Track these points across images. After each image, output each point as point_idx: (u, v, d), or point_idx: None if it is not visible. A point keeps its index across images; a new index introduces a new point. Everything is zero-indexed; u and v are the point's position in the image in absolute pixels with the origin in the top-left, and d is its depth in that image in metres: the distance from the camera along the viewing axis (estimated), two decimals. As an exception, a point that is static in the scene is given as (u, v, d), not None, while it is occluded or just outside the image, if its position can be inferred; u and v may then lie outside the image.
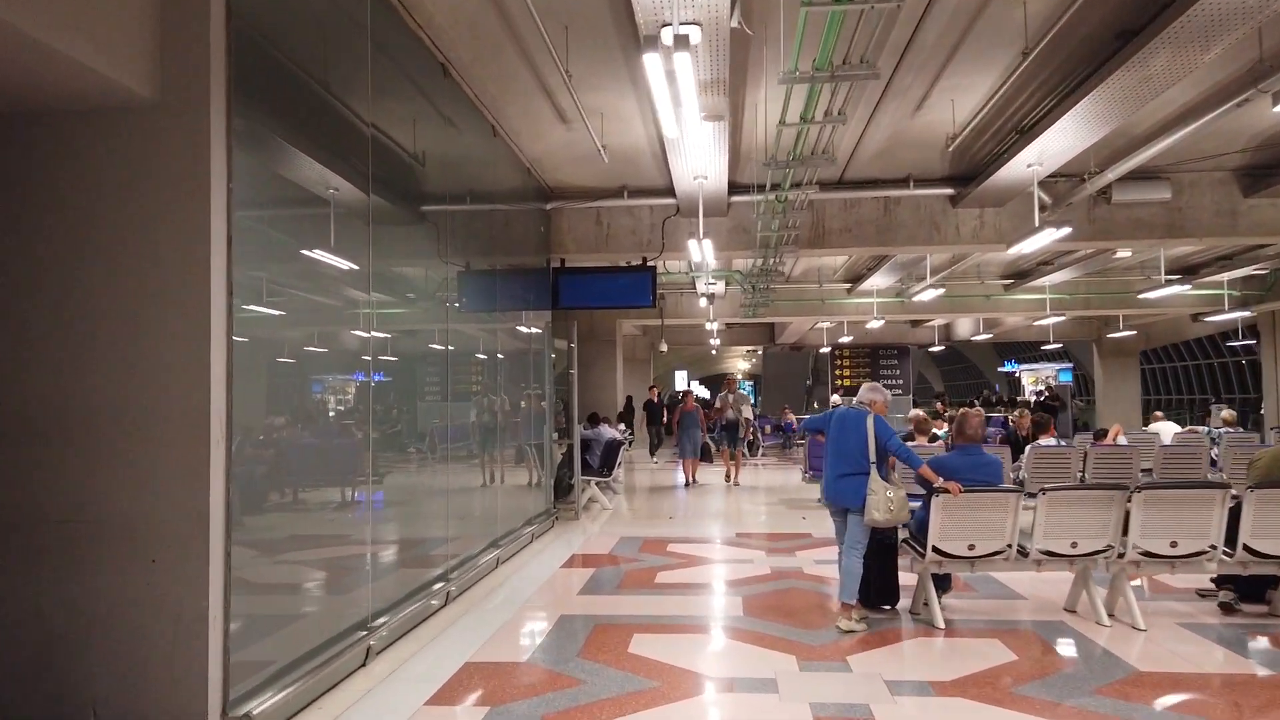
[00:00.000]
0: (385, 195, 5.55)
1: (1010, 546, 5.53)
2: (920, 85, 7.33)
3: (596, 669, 4.75)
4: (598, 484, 11.68)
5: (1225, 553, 5.53)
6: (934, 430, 9.85)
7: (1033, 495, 5.59)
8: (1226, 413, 13.03)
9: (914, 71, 6.96)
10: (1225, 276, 15.75)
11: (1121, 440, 9.93)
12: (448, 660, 4.94)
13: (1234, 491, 5.55)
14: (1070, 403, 25.32)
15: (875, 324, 19.15)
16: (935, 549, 5.52)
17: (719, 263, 12.97)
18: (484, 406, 8.01)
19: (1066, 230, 8.45)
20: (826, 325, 23.08)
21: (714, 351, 33.68)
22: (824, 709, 4.14)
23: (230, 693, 3.65)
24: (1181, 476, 9.00)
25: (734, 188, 9.92)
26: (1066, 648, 5.18)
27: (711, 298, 16.01)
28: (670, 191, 10.09)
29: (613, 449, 11.82)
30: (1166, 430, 11.82)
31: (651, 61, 4.21)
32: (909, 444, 6.51)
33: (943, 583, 6.03)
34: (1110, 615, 5.63)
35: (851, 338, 23.99)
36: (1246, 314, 17.74)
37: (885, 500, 5.37)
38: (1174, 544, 5.51)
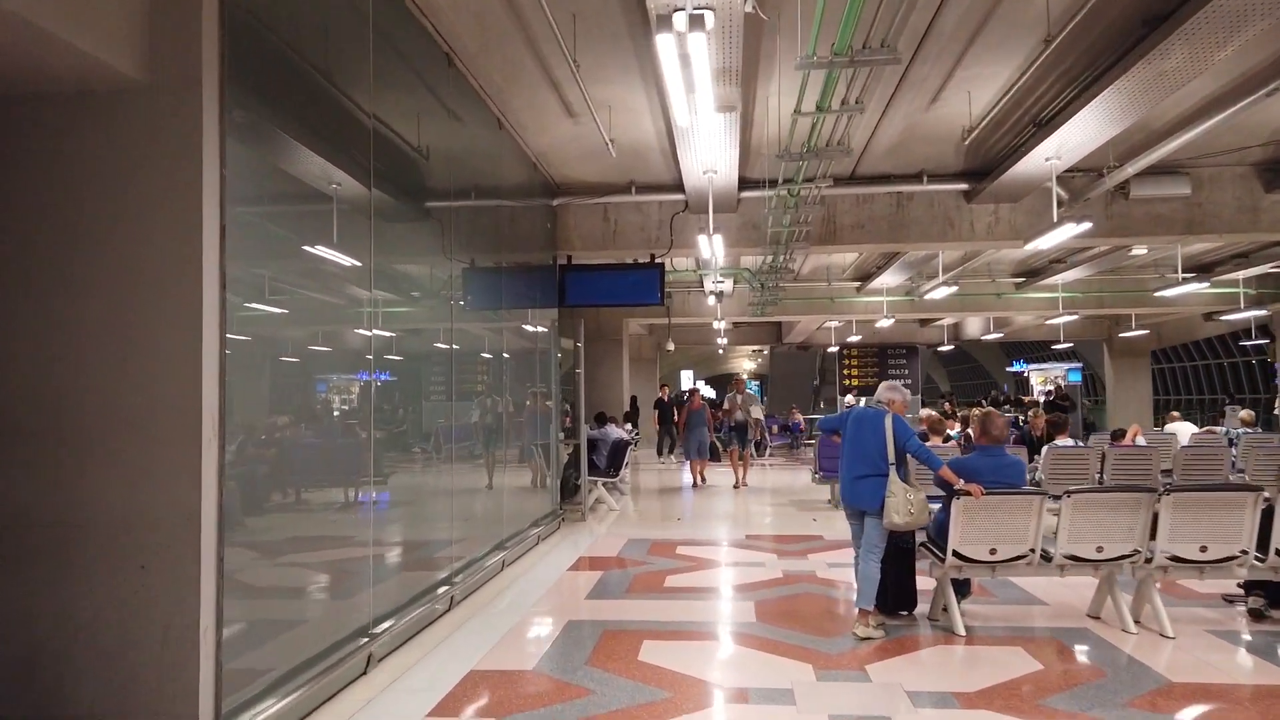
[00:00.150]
0: (387, 189, 5.39)
1: (1033, 551, 5.34)
2: (937, 76, 7.14)
3: (606, 678, 4.58)
4: (604, 485, 11.51)
5: (1257, 558, 5.33)
6: (947, 431, 9.66)
7: (1056, 498, 5.41)
8: (1245, 413, 12.78)
9: (930, 61, 6.77)
10: (1241, 274, 15.52)
11: (1140, 441, 9.71)
12: (452, 668, 4.77)
13: (1266, 494, 5.35)
14: (1079, 403, 25.08)
15: (885, 323, 18.94)
16: (955, 553, 5.34)
17: (727, 260, 12.81)
18: (488, 406, 7.85)
19: (1087, 225, 8.25)
20: (834, 324, 22.87)
21: (721, 351, 33.50)
22: (844, 722, 3.97)
23: (223, 704, 3.48)
24: (1203, 478, 8.77)
25: (744, 183, 9.73)
26: (1093, 656, 4.99)
27: (720, 296, 15.83)
28: (679, 187, 9.92)
29: (620, 449, 11.65)
30: (1183, 431, 11.60)
31: (664, 42, 4.04)
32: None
33: (962, 588, 5.85)
34: (1136, 622, 5.44)
35: (860, 337, 23.78)
36: (1261, 313, 17.49)
37: (905, 503, 5.19)
38: (1203, 549, 5.31)
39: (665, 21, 3.84)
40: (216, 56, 3.52)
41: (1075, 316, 18.76)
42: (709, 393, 37.57)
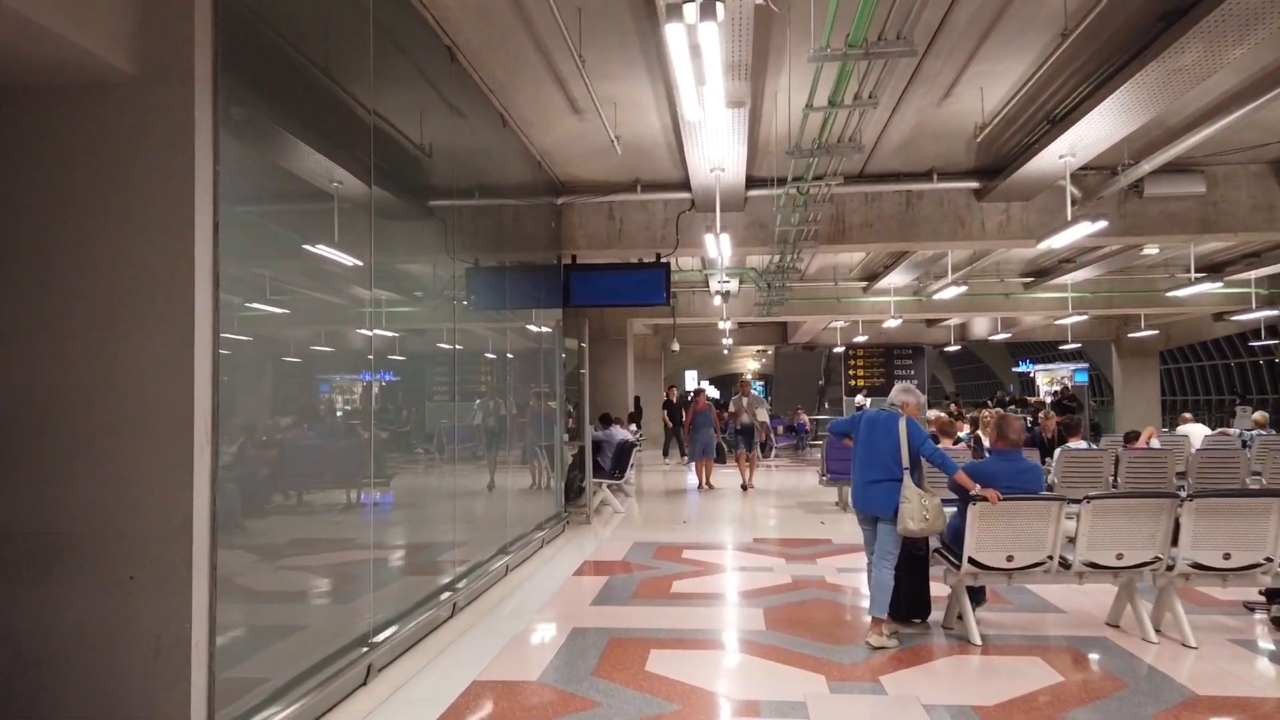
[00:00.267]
0: (388, 187, 5.26)
1: (1051, 558, 5.20)
2: (949, 71, 7.00)
3: (612, 689, 4.44)
4: (609, 487, 11.38)
5: (1283, 565, 5.18)
6: (957, 433, 9.52)
7: (1073, 502, 5.26)
8: (1258, 414, 12.59)
9: (943, 56, 6.62)
10: (1253, 274, 15.34)
11: (1155, 444, 9.55)
12: (454, 678, 4.64)
13: (1292, 499, 5.19)
14: (1086, 403, 24.89)
15: (893, 323, 18.78)
16: (971, 560, 5.20)
17: (734, 260, 12.66)
18: (491, 408, 7.72)
19: (1102, 224, 8.09)
20: (840, 324, 22.71)
21: (725, 351, 33.34)
22: (860, 737, 3.83)
23: (216, 718, 3.36)
24: (1219, 482, 8.61)
25: (751, 181, 9.60)
26: (1113, 667, 4.83)
27: (725, 296, 15.69)
28: (685, 185, 9.78)
29: (625, 451, 11.51)
30: (1196, 433, 11.42)
31: (674, 32, 3.91)
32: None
33: (976, 595, 5.70)
34: (1157, 631, 5.29)
35: (866, 337, 23.61)
36: (1272, 313, 17.30)
37: (920, 509, 5.05)
38: (1227, 556, 5.16)
39: (675, 11, 3.70)
40: (210, 48, 3.39)
41: (1085, 317, 18.59)
42: (713, 393, 37.45)
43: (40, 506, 3.28)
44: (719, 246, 9.23)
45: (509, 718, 4.09)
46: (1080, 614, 5.89)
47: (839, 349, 25.45)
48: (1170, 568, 5.22)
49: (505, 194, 8.13)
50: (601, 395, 16.29)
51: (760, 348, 34.03)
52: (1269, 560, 5.15)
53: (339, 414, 5.01)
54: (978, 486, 5.16)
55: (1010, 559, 5.19)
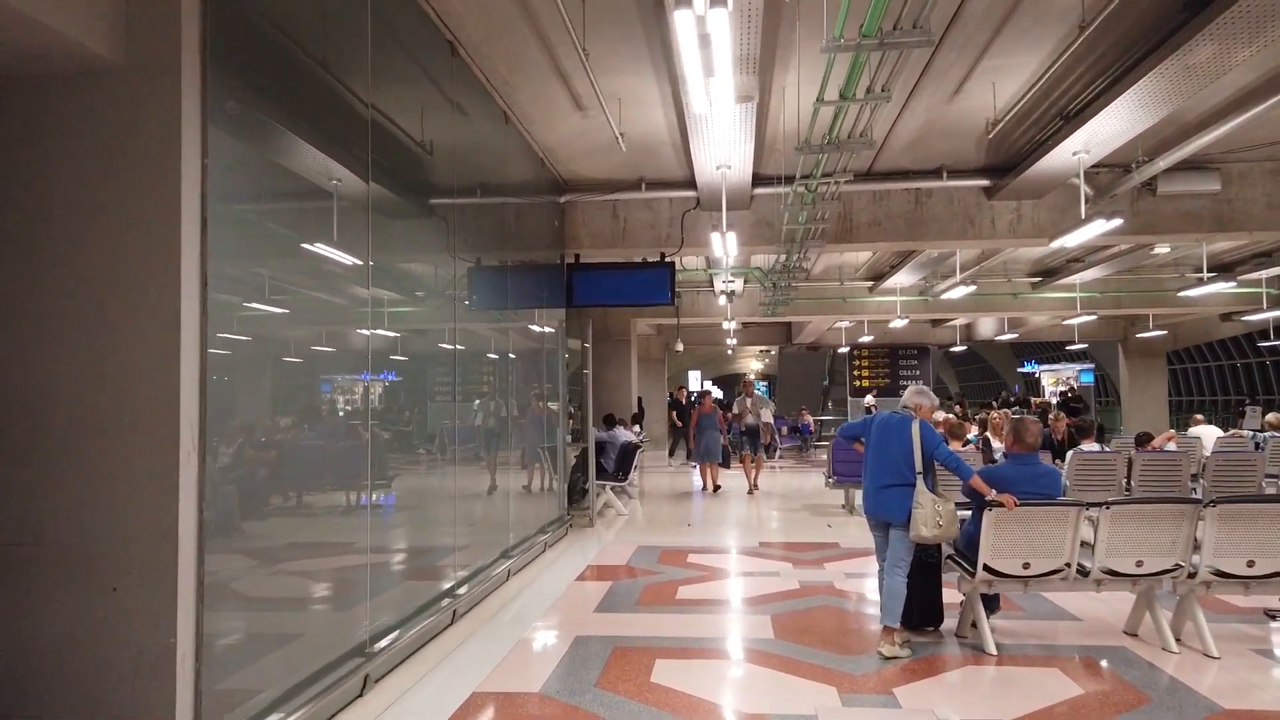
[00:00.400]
0: (387, 184, 5.12)
1: (1069, 565, 5.04)
2: (961, 66, 6.84)
3: (617, 702, 4.30)
4: (613, 489, 11.23)
5: (1307, 573, 5.02)
6: (966, 435, 9.35)
7: (1093, 506, 5.11)
8: (1271, 415, 12.37)
9: (956, 50, 6.47)
10: (1264, 274, 15.14)
11: (1171, 448, 9.36)
12: (454, 689, 4.50)
13: (1317, 506, 5.04)
14: (1091, 404, 24.70)
15: (899, 323, 18.60)
16: (986, 567, 5.05)
17: (739, 259, 12.51)
18: (492, 409, 7.58)
19: (1118, 222, 7.91)
20: (845, 324, 22.53)
21: (729, 351, 33.17)
22: (874, 754, 3.68)
23: (204, 735, 3.22)
24: (1234, 486, 8.44)
25: (758, 179, 9.43)
26: (1134, 679, 4.67)
27: (730, 296, 15.53)
28: (690, 183, 9.63)
29: (628, 452, 11.37)
30: (1208, 434, 11.23)
31: (683, 20, 3.76)
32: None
33: (991, 603, 5.55)
34: (1177, 640, 5.14)
35: (871, 337, 23.43)
36: (1283, 313, 17.10)
37: (934, 514, 4.90)
38: (1251, 563, 5.01)
39: (684, -1, 3.56)
40: (197, 37, 3.25)
41: (1093, 317, 18.40)
42: (716, 393, 37.29)
43: (20, 514, 3.15)
44: (724, 245, 9.08)
45: (510, 732, 3.95)
46: (1097, 622, 5.74)
47: (843, 349, 25.27)
48: (1192, 575, 5.06)
49: (507, 192, 7.99)
50: (605, 396, 16.13)
51: (764, 348, 33.82)
52: (1294, 568, 4.99)
53: (337, 415, 4.88)
54: (993, 492, 5.01)
55: (1027, 566, 5.04)
